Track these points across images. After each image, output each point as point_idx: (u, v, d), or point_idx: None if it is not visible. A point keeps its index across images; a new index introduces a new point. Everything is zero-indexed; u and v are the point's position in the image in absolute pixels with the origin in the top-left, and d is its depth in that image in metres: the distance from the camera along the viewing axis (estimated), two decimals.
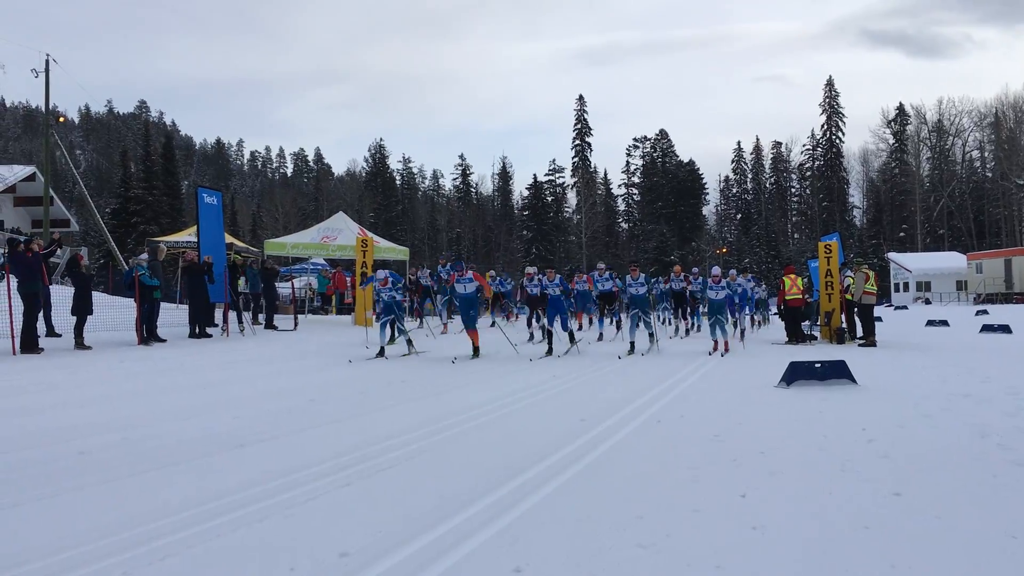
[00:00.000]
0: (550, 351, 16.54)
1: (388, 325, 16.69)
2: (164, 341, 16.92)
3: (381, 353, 16.09)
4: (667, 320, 24.11)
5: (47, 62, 38.73)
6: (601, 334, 20.72)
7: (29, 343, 14.48)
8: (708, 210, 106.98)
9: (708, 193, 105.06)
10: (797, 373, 11.03)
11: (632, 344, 17.14)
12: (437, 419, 8.64)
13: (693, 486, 5.72)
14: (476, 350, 16.29)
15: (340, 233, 27.06)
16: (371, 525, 4.74)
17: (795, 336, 19.78)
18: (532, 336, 20.03)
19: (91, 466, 6.48)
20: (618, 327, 21.48)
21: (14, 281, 15.10)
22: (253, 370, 13.87)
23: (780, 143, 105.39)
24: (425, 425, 8.26)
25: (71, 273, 16.52)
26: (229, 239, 31.32)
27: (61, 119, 54.78)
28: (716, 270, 17.77)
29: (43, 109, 40.98)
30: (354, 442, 7.33)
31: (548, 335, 17.01)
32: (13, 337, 14.35)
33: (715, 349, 17.02)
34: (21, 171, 53.84)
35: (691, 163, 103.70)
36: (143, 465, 6.53)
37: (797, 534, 4.59)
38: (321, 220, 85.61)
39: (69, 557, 4.26)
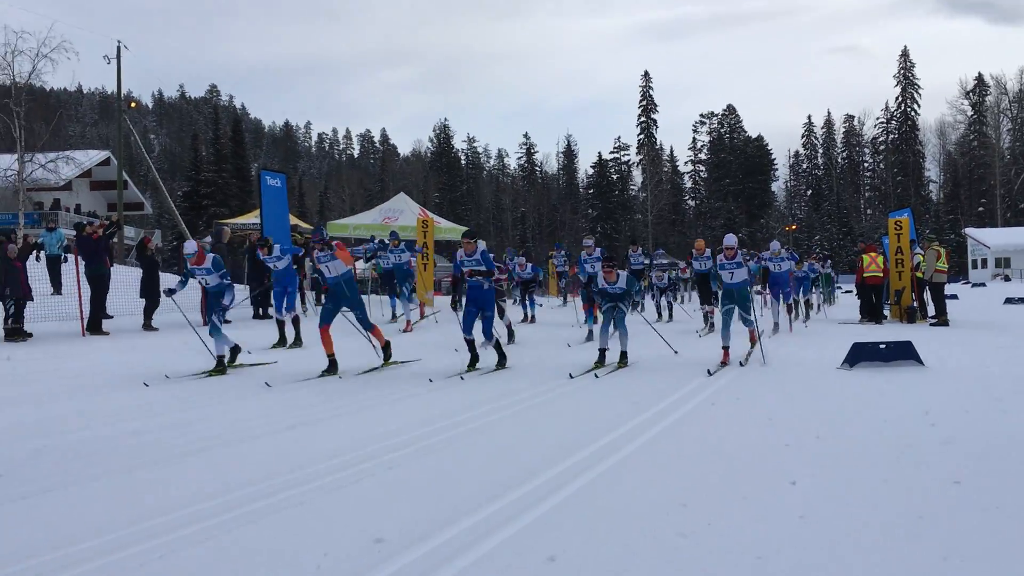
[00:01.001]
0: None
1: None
2: (229, 322, 17.21)
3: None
4: (643, 306, 19.55)
5: (118, 48, 39.64)
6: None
7: (96, 324, 14.88)
8: (777, 186, 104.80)
9: (777, 169, 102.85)
10: (861, 354, 10.71)
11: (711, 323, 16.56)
12: (478, 404, 8.57)
13: (743, 472, 5.58)
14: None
15: (401, 214, 27.20)
16: (407, 512, 4.71)
17: (870, 315, 19.26)
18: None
19: (147, 447, 6.63)
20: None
21: (82, 264, 15.51)
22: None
23: (852, 116, 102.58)
24: (468, 409, 8.21)
25: (139, 257, 16.90)
26: (295, 220, 31.80)
27: (134, 104, 56.04)
28: (730, 239, 12.00)
29: (117, 95, 41.98)
30: (394, 427, 7.34)
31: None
32: (82, 319, 14.77)
33: (725, 360, 11.45)
34: (96, 156, 55.51)
35: (759, 139, 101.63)
36: (195, 445, 6.65)
37: (846, 524, 4.41)
38: (386, 201, 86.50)
39: (174, 518, 4.33)
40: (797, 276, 19.29)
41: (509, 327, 15.37)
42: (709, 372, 10.57)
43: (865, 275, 19.48)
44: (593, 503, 4.92)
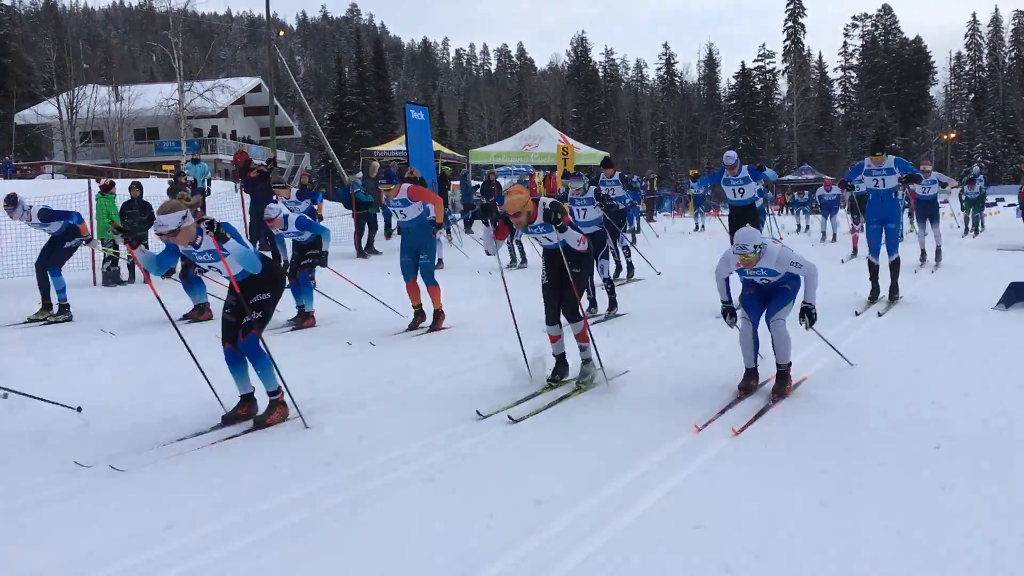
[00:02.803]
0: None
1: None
2: (380, 254, 18.07)
3: None
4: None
5: None
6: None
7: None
8: (936, 91, 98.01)
9: (936, 72, 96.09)
10: (1020, 294, 10.00)
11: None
12: (624, 350, 8.38)
13: (884, 434, 5.61)
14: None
15: (541, 140, 27.38)
16: (563, 473, 5.02)
17: None
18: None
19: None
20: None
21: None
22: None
23: (1023, 12, 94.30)
24: (620, 354, 8.08)
25: (298, 193, 17.77)
26: (437, 147, 32.47)
27: (282, 33, 57.83)
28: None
29: (264, 18, 43.34)
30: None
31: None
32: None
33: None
34: (248, 83, 57.87)
35: (917, 40, 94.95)
36: (369, 394, 7.17)
37: (989, 499, 4.43)
38: (524, 117, 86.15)
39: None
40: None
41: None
42: (856, 313, 10.35)
43: None
44: (738, 463, 5.13)
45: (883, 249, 10.91)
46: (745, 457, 5.27)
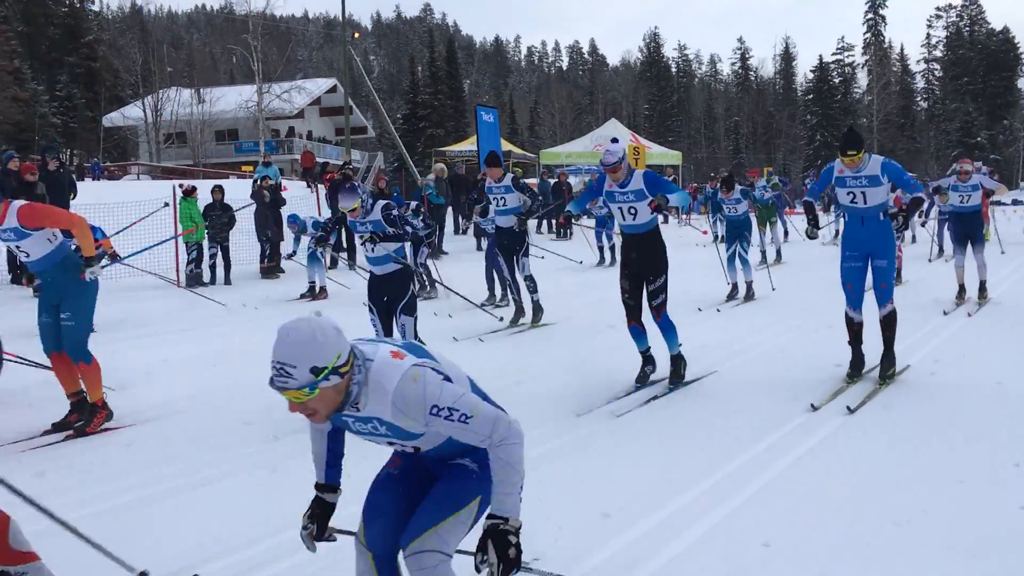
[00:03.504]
0: None
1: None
2: (447, 254, 18.29)
3: None
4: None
5: None
6: None
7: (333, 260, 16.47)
8: None
9: None
10: None
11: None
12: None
13: (963, 449, 5.49)
14: None
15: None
16: (630, 486, 5.05)
17: None
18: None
19: None
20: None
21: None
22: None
23: None
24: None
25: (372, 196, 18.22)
26: (508, 147, 32.64)
27: (357, 35, 58.71)
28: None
29: (340, 18, 44.02)
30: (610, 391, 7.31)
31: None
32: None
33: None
34: (324, 84, 58.94)
35: (1005, 30, 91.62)
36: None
37: None
38: (595, 114, 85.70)
39: None
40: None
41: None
42: (945, 312, 10.16)
43: None
44: (810, 479, 5.07)
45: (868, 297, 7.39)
46: (819, 464, 5.22)
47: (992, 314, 10.42)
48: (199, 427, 6.58)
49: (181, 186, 16.04)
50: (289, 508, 3.98)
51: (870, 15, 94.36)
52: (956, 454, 5.43)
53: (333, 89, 56.83)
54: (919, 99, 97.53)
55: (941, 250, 16.94)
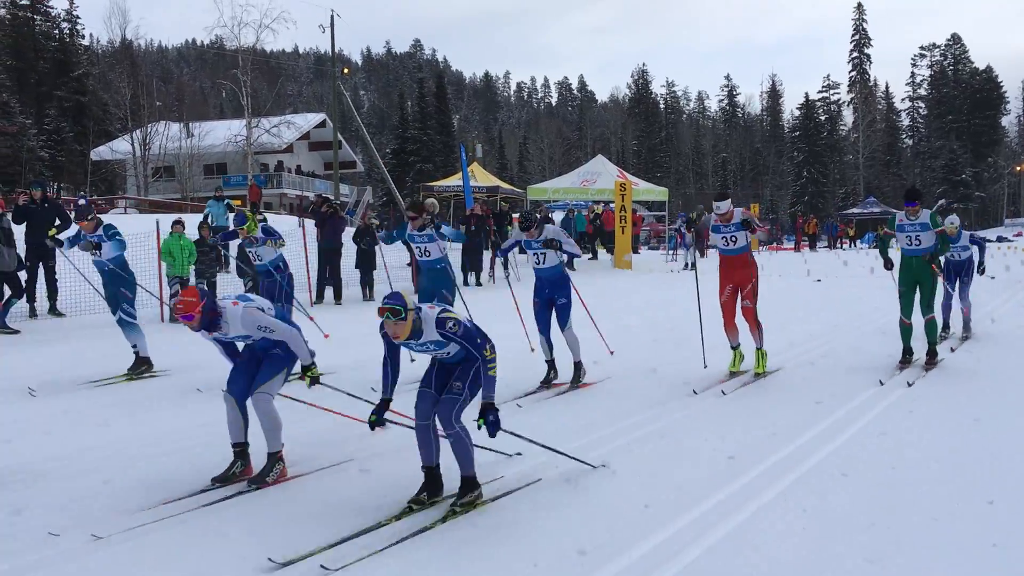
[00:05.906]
0: None
1: None
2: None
3: None
4: None
5: (332, 18, 41.78)
6: None
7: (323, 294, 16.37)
8: (1008, 121, 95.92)
9: (1008, 102, 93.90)
10: None
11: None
12: (648, 406, 7.87)
13: (937, 488, 5.47)
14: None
15: (599, 176, 27.47)
16: (607, 521, 5.00)
17: None
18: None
19: None
20: None
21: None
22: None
23: None
24: (651, 407, 7.82)
25: (359, 233, 17.95)
26: (496, 182, 32.75)
27: (346, 71, 59.12)
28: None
29: (330, 54, 44.23)
30: (592, 419, 7.36)
31: None
32: (310, 290, 16.23)
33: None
34: (313, 118, 59.20)
35: (988, 69, 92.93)
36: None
37: None
38: (584, 149, 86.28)
39: None
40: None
41: None
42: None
43: None
44: (786, 514, 5.07)
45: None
46: (799, 498, 5.15)
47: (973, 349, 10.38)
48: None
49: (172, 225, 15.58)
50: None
51: (855, 54, 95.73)
52: (929, 491, 5.38)
53: (322, 124, 57.02)
54: (904, 136, 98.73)
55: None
